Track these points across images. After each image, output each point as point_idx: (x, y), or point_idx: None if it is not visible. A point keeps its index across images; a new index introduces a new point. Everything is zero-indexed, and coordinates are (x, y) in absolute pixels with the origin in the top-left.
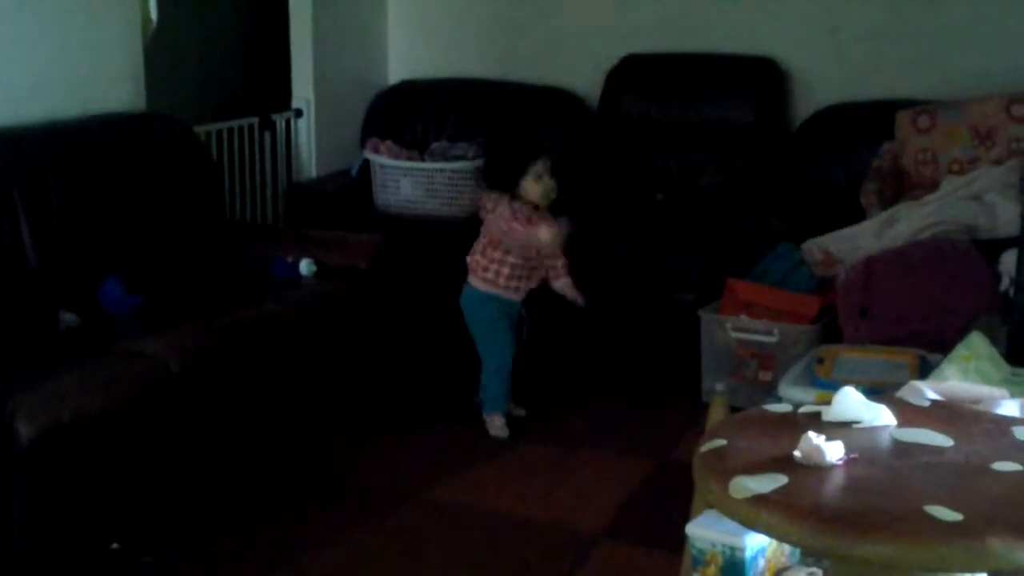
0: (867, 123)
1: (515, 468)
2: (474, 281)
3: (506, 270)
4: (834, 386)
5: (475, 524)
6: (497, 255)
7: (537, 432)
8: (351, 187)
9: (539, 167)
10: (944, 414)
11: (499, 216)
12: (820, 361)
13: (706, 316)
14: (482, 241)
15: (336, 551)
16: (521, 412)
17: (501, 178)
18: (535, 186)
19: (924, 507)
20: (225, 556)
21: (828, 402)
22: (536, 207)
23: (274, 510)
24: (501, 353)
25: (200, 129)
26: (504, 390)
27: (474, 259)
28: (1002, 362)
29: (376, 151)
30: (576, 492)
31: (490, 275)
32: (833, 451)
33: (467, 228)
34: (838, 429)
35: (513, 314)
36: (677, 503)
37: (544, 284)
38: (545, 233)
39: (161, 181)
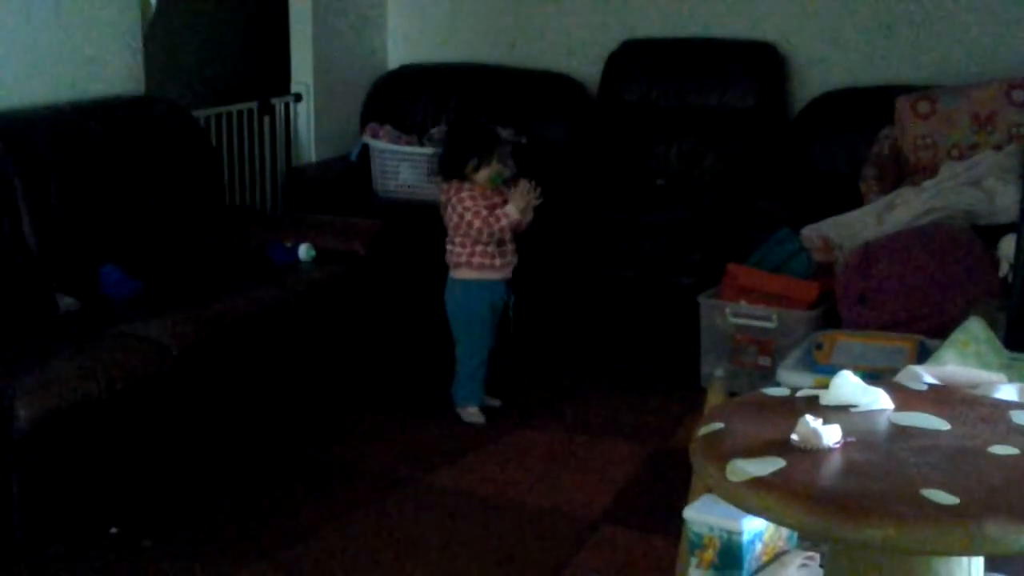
0: (867, 108)
1: (514, 454)
2: (455, 274)
3: (479, 248)
4: (833, 371)
5: (473, 509)
6: (467, 240)
7: (536, 418)
8: (350, 172)
9: (487, 157)
10: (941, 398)
11: (458, 202)
12: (819, 346)
13: (705, 301)
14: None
15: (335, 535)
16: (495, 403)
17: (449, 167)
18: (482, 173)
19: (921, 491)
20: (223, 540)
21: (826, 386)
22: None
23: (272, 495)
24: (478, 347)
25: (199, 113)
26: (477, 385)
27: (449, 251)
28: (1000, 347)
29: (375, 136)
30: (575, 477)
31: (463, 259)
32: (830, 434)
33: None
34: (835, 413)
35: (497, 300)
36: (675, 488)
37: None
38: (513, 212)
39: (160, 165)
